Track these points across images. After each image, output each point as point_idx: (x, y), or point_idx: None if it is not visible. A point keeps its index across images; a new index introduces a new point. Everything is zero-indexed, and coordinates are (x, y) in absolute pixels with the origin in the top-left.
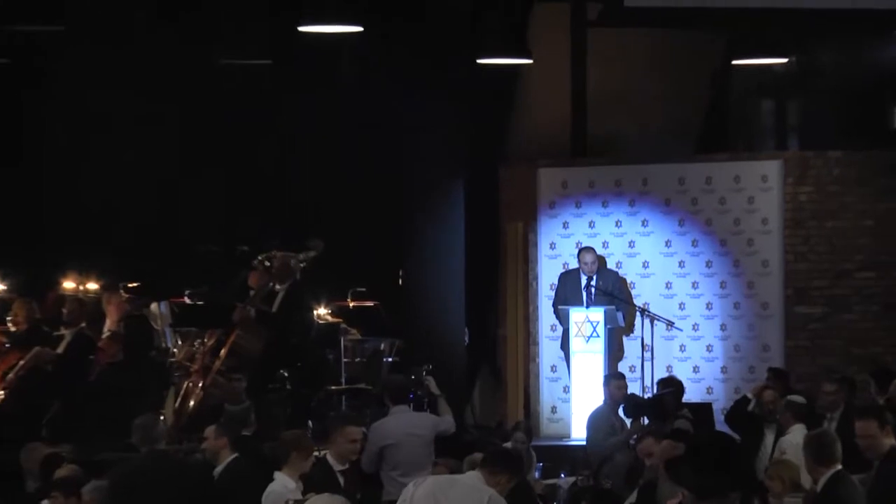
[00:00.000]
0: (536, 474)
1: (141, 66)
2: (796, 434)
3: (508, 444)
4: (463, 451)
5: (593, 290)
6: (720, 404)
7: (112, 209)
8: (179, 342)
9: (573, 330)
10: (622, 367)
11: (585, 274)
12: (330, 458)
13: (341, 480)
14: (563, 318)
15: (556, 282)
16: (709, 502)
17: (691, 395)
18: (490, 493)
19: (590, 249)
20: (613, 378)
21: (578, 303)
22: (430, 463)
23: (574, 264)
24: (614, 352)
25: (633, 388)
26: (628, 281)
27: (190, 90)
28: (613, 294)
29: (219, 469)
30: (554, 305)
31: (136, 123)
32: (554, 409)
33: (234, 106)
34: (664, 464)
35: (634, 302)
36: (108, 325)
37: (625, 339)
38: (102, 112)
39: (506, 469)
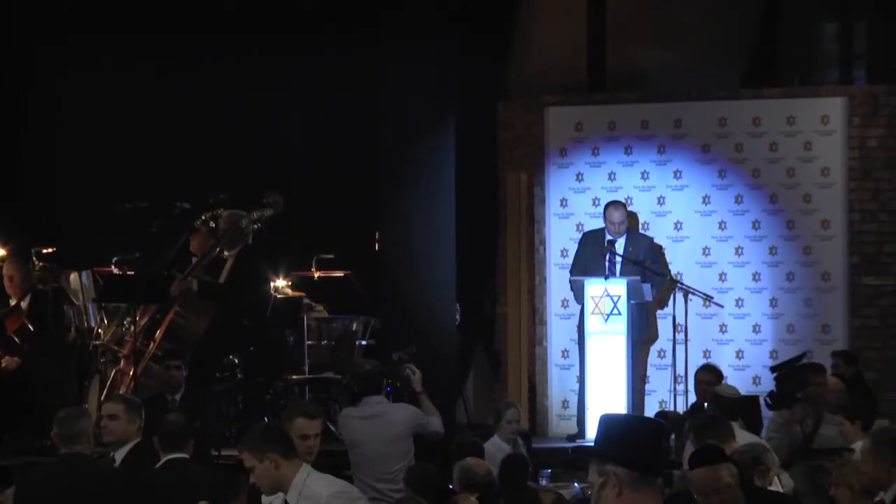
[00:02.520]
0: (542, 482)
1: None
2: None
3: (497, 438)
4: (453, 456)
5: (618, 257)
6: None
7: (21, 157)
8: (105, 321)
9: (589, 306)
10: (652, 350)
11: (611, 235)
12: None
13: None
14: (578, 292)
15: (567, 246)
16: (648, 483)
17: (734, 385)
18: (332, 491)
19: (619, 205)
20: (704, 371)
21: (600, 272)
22: (406, 465)
23: (590, 226)
24: (645, 334)
25: (663, 376)
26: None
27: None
28: (645, 265)
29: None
30: (571, 274)
31: None
32: (565, 404)
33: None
34: None
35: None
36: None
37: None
38: None
39: None
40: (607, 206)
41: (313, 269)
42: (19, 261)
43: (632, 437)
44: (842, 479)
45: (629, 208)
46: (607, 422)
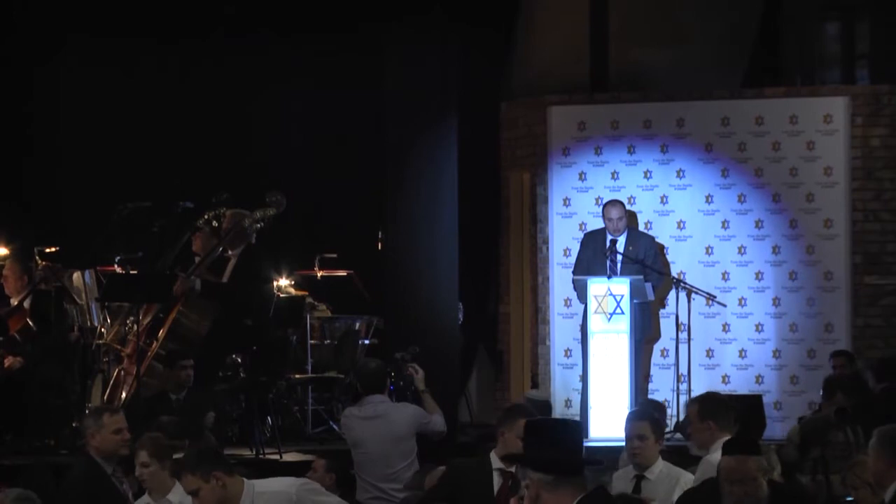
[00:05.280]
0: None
1: None
2: None
3: None
4: (456, 456)
5: (619, 256)
6: (772, 397)
7: (23, 158)
8: (108, 320)
9: (592, 305)
10: (655, 349)
11: (610, 234)
12: (493, 455)
13: (497, 483)
14: (581, 291)
15: (570, 245)
16: (564, 484)
17: (737, 384)
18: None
19: (616, 203)
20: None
21: (602, 271)
22: (409, 465)
23: (593, 225)
24: (648, 333)
25: (666, 375)
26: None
27: None
28: (645, 263)
29: None
30: (574, 274)
31: None
32: (568, 403)
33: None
34: None
35: (668, 272)
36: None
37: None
38: None
39: None
40: (605, 204)
41: (316, 269)
42: (15, 261)
43: (548, 441)
44: (857, 479)
45: (632, 208)
46: (528, 428)
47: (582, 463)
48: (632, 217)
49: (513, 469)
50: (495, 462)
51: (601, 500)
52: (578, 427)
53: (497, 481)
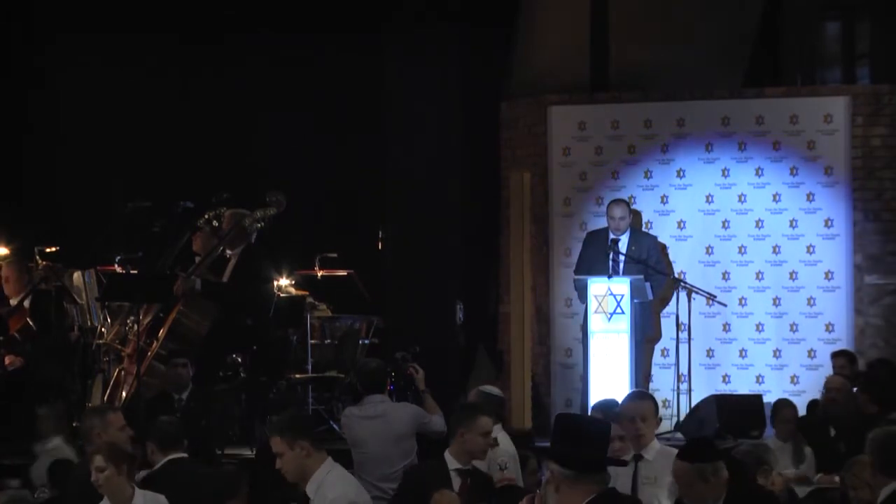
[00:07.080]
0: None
1: None
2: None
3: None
4: None
5: (621, 256)
6: (772, 396)
7: (23, 157)
8: (108, 320)
9: (592, 305)
10: (655, 349)
11: (612, 233)
12: (449, 455)
13: (456, 483)
14: (581, 291)
15: (571, 245)
16: (584, 480)
17: (738, 384)
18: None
19: (620, 202)
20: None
21: (604, 271)
22: (409, 465)
23: (593, 225)
24: (648, 333)
25: (667, 375)
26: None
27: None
28: (647, 263)
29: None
30: (575, 274)
31: None
32: (569, 403)
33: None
34: None
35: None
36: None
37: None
38: None
39: None
40: (609, 203)
41: (317, 268)
42: (16, 262)
43: (575, 437)
44: (855, 479)
45: (632, 207)
46: (559, 421)
47: (604, 462)
48: (636, 217)
49: (469, 467)
50: (451, 462)
51: (611, 500)
52: (607, 427)
53: (456, 482)
